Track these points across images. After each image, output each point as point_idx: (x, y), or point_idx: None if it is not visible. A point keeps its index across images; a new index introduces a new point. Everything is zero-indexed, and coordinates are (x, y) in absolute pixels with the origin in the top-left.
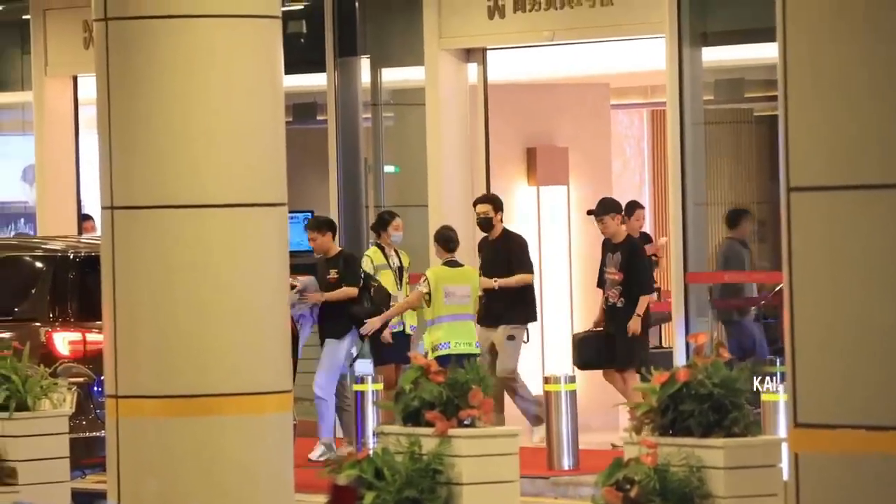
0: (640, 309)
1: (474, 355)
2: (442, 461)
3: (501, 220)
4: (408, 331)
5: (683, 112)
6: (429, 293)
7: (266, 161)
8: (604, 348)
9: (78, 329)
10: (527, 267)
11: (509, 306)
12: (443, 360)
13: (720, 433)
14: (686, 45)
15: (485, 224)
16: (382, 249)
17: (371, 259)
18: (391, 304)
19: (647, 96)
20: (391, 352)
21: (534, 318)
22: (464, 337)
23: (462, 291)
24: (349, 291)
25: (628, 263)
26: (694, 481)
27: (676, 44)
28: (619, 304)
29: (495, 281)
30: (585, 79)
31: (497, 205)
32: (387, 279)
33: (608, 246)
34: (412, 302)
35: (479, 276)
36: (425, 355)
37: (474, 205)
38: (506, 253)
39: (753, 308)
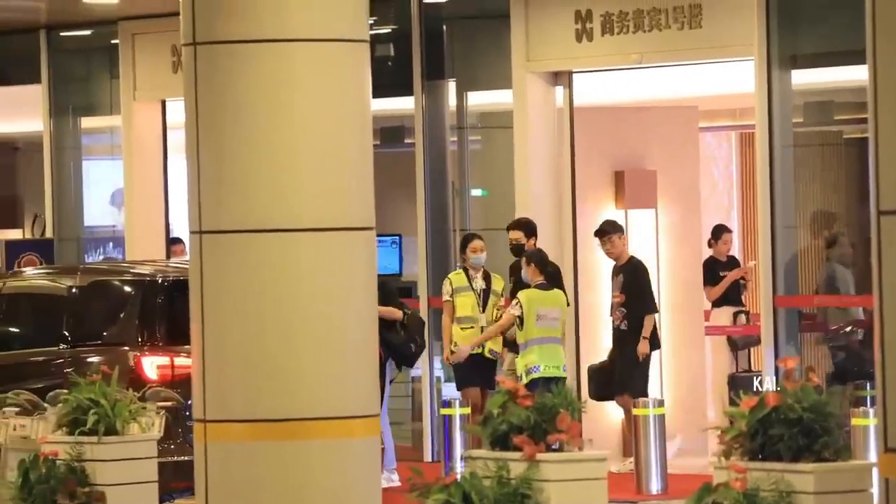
0: (646, 330)
1: (562, 379)
2: (530, 486)
3: (535, 245)
4: (486, 354)
5: (772, 134)
6: (521, 316)
7: (354, 185)
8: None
9: (166, 353)
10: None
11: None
12: (535, 384)
13: (810, 458)
14: (775, 67)
15: (516, 251)
16: (466, 272)
17: (451, 281)
18: (465, 325)
19: (735, 119)
20: (472, 374)
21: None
22: (553, 360)
23: (553, 314)
24: (393, 311)
25: (630, 284)
26: None
27: (765, 66)
28: (622, 327)
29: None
30: (674, 101)
31: (529, 230)
32: (467, 301)
33: (613, 270)
34: (504, 325)
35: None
36: (518, 379)
37: (507, 230)
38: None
39: (859, 330)
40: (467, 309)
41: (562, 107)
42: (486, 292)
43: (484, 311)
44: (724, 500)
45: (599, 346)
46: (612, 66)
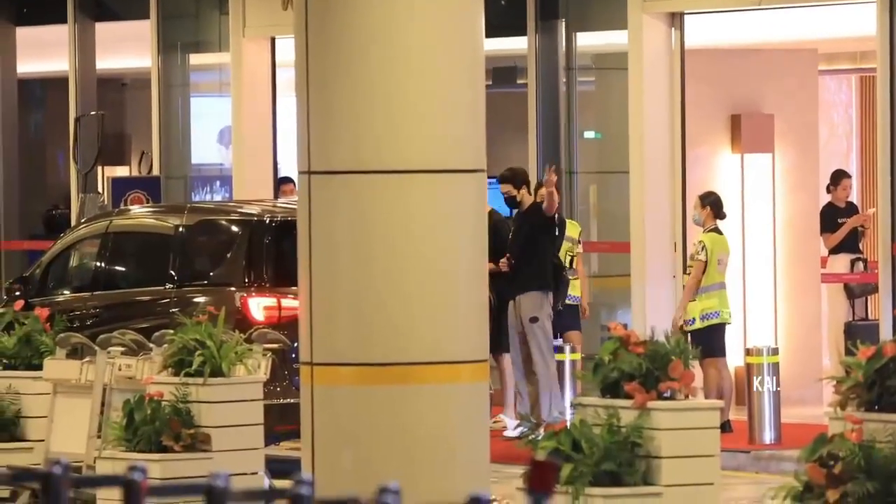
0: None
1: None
2: (641, 434)
3: (531, 195)
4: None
5: (894, 78)
6: (706, 261)
7: (465, 126)
8: None
9: (273, 295)
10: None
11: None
12: (707, 330)
13: None
14: None
15: (511, 203)
16: None
17: None
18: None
19: (856, 62)
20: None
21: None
22: (729, 307)
23: (726, 259)
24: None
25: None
26: None
27: (888, 8)
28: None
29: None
30: (793, 44)
31: (518, 181)
32: None
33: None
34: (698, 276)
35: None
36: (687, 323)
37: (498, 182)
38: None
39: None
40: None
41: (674, 48)
42: (560, 238)
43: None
44: (840, 451)
45: None
46: (730, 7)
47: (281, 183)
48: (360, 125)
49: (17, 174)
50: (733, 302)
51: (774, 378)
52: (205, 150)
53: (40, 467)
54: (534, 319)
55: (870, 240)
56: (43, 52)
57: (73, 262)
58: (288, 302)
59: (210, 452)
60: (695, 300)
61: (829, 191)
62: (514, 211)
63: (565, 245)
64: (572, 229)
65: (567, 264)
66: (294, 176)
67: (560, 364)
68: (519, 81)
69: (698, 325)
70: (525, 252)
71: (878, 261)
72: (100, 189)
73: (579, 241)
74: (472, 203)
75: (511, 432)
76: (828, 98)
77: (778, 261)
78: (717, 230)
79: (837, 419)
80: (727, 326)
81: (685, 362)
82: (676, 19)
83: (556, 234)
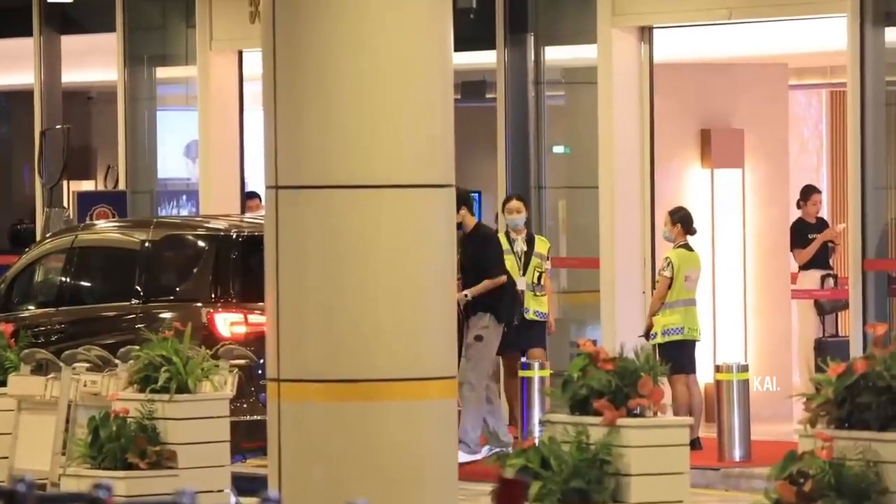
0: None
1: (695, 342)
2: (610, 451)
3: (473, 215)
4: (532, 316)
5: (864, 93)
6: (671, 277)
7: (434, 141)
8: None
9: (240, 310)
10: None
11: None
12: (670, 346)
13: None
14: (868, 24)
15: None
16: (508, 234)
17: None
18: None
19: (826, 77)
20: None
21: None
22: (696, 323)
23: (696, 276)
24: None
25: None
26: (871, 476)
27: (858, 23)
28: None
29: (465, 294)
30: (763, 58)
31: (458, 202)
32: (508, 264)
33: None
34: (661, 291)
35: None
36: (650, 337)
37: None
38: (476, 252)
39: None
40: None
41: (643, 62)
42: (528, 254)
43: (524, 273)
44: (810, 469)
45: None
46: (701, 22)
47: (247, 198)
48: (328, 139)
49: None
50: (703, 318)
51: (743, 395)
52: (171, 164)
53: (4, 484)
54: (478, 338)
55: (840, 256)
56: (8, 64)
57: (39, 276)
58: (255, 318)
59: (176, 469)
60: (658, 315)
61: (799, 206)
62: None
63: (534, 261)
64: (541, 245)
65: (535, 280)
66: (260, 190)
67: (528, 381)
68: (488, 96)
69: (659, 339)
70: (472, 275)
71: (848, 277)
72: (65, 203)
73: (548, 258)
74: (442, 218)
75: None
76: (798, 113)
77: (748, 276)
78: (686, 246)
79: (807, 436)
80: (696, 343)
81: (654, 379)
82: (646, 33)
83: (500, 251)
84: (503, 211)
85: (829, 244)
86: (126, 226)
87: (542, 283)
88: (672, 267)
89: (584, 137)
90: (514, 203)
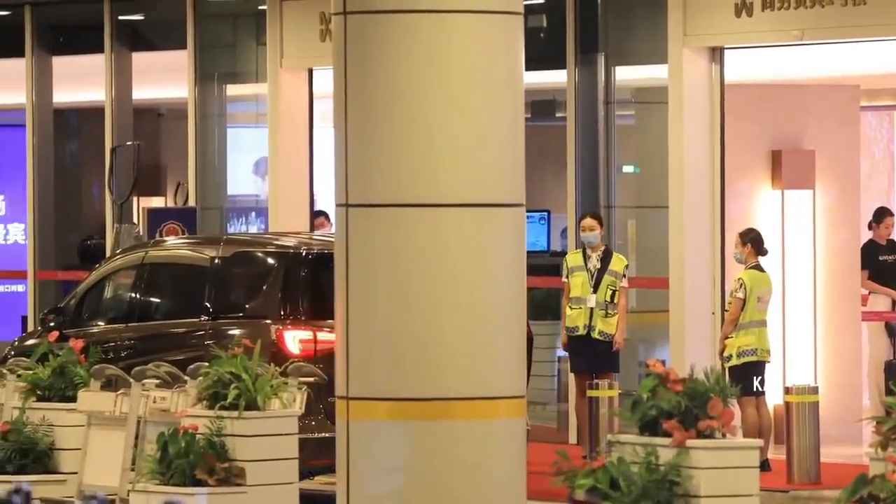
0: None
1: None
2: (679, 472)
3: None
4: (597, 336)
5: None
6: (744, 299)
7: (505, 160)
8: None
9: (309, 328)
10: None
11: None
12: (744, 367)
13: None
14: None
15: None
16: (584, 251)
17: (567, 262)
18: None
19: None
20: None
21: None
22: (767, 345)
23: (767, 297)
24: None
25: None
26: None
27: None
28: None
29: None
30: (834, 79)
31: None
32: (578, 281)
33: None
34: (735, 313)
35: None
36: (725, 359)
37: None
38: None
39: None
40: (577, 289)
41: (714, 83)
42: (602, 272)
43: (595, 291)
44: (881, 493)
45: None
46: (772, 43)
47: (314, 216)
48: (397, 158)
49: (51, 204)
50: (773, 339)
51: (813, 417)
52: (241, 181)
53: (74, 500)
54: None
55: None
56: (79, 81)
57: (108, 293)
58: (324, 335)
59: (244, 486)
60: (732, 337)
61: (870, 227)
62: None
63: (606, 279)
64: (617, 263)
65: (608, 298)
66: (327, 209)
67: (596, 401)
68: (558, 115)
69: (735, 361)
70: None
71: None
72: (135, 220)
73: (624, 276)
74: (511, 237)
75: None
76: (869, 134)
77: (818, 298)
78: (758, 267)
79: (878, 460)
80: (766, 364)
81: (724, 400)
82: (717, 54)
83: None
84: (578, 228)
85: None
86: (196, 242)
87: (615, 301)
88: (745, 288)
89: (653, 157)
90: (588, 220)
